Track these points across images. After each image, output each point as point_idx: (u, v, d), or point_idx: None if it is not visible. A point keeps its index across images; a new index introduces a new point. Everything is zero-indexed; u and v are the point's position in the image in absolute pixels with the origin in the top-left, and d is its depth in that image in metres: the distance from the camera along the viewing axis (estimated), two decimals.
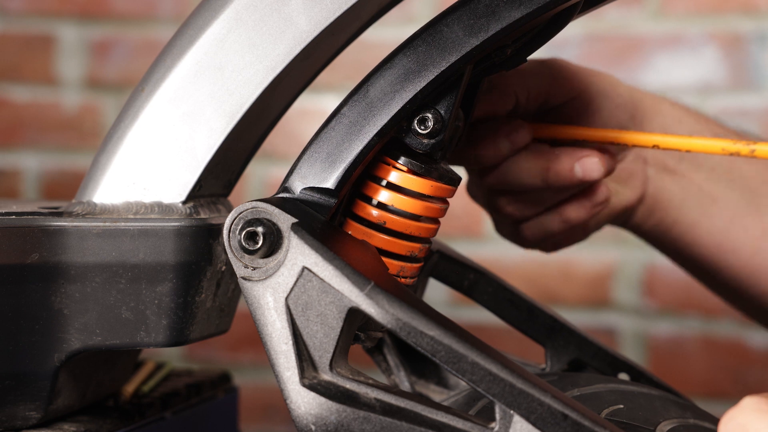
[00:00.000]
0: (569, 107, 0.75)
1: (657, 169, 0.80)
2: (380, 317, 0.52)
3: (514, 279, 1.51)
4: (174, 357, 1.53)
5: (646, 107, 0.78)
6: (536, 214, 0.76)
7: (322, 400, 0.53)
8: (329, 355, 0.53)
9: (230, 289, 0.65)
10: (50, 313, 0.61)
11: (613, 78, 0.78)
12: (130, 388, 0.73)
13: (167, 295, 0.61)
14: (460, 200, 0.84)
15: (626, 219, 0.81)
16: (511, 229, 0.78)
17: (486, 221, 1.51)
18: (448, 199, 0.61)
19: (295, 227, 0.54)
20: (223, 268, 0.63)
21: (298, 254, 0.54)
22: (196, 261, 0.61)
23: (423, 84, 0.56)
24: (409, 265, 0.60)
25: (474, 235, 1.52)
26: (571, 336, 0.74)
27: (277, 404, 1.52)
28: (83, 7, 1.57)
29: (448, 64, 0.56)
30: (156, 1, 1.57)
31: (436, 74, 0.56)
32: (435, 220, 0.61)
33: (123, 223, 0.60)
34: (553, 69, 0.74)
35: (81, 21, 1.57)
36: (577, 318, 1.49)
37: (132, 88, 0.63)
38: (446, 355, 0.52)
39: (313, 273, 0.53)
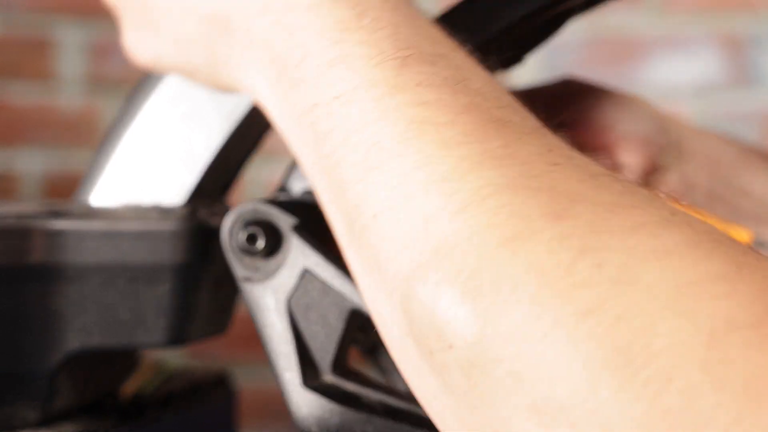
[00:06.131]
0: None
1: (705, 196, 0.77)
2: None
3: None
4: (174, 357, 1.53)
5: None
6: None
7: (325, 401, 0.52)
8: (331, 357, 0.53)
9: (229, 290, 0.65)
10: (49, 313, 0.60)
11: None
12: (130, 388, 0.73)
13: (166, 296, 0.61)
14: None
15: None
16: None
17: None
18: None
19: (296, 228, 0.53)
20: (222, 268, 0.63)
21: (300, 255, 0.53)
22: (194, 262, 0.61)
23: None
24: None
25: None
26: None
27: (277, 404, 1.52)
28: (83, 7, 1.57)
29: None
30: None
31: None
32: None
33: (121, 225, 0.60)
34: (572, 89, 0.71)
35: (81, 21, 1.57)
36: None
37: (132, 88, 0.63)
38: None
39: (314, 274, 0.53)
